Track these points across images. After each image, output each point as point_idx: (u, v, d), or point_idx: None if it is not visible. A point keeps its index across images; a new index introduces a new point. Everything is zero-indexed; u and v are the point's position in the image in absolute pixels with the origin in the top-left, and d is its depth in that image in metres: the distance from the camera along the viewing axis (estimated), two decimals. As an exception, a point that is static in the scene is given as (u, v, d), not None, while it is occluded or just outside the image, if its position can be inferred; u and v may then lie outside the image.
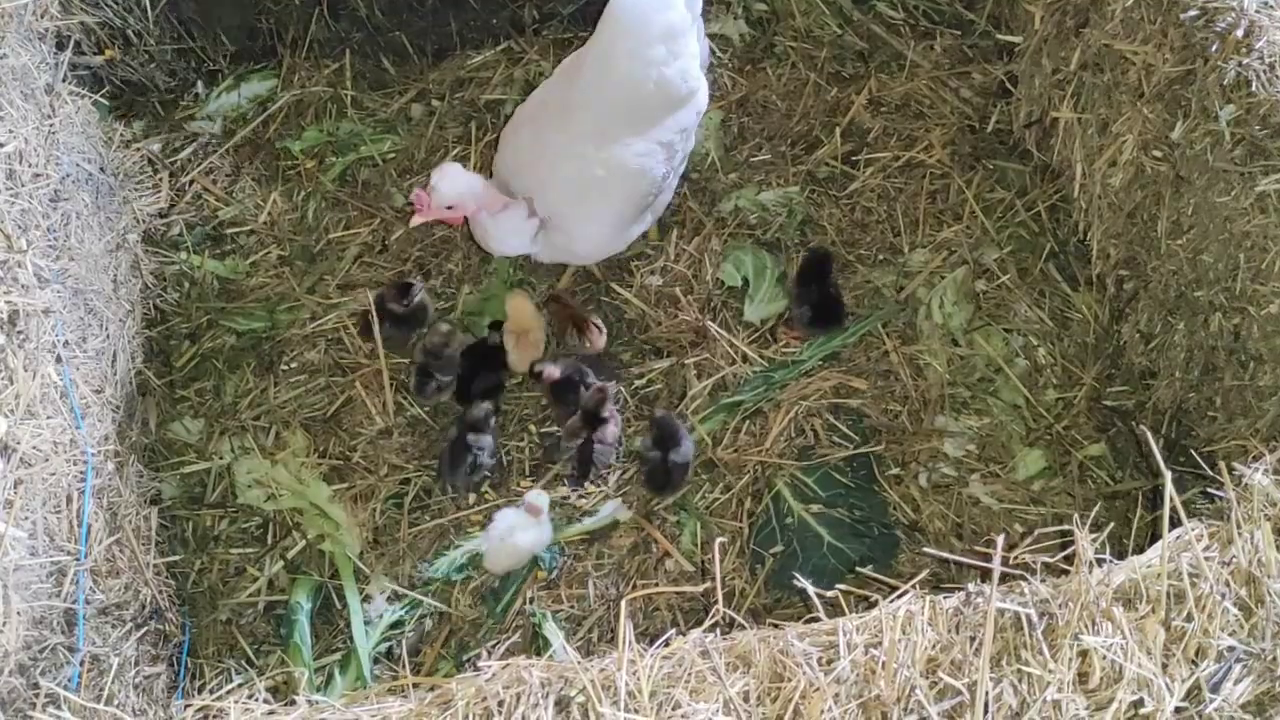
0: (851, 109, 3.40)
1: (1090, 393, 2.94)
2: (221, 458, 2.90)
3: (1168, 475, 1.84)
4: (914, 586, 1.83)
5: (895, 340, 3.03)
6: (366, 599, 2.73)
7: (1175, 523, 1.87)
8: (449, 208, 2.80)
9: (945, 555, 1.95)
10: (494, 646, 2.65)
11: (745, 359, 3.02)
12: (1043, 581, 1.85)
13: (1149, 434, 2.07)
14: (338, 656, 2.68)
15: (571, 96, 2.74)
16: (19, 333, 2.01)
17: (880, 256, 3.19)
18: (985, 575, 1.80)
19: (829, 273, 3.01)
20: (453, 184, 2.79)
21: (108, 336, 2.58)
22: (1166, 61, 2.49)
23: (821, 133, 3.38)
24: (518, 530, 2.75)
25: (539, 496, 2.78)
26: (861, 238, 3.22)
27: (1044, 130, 3.14)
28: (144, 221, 3.06)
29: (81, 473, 2.17)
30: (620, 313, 3.10)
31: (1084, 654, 1.73)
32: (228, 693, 1.71)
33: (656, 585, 2.74)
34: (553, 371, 2.91)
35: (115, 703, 2.00)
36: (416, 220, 2.84)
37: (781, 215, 3.24)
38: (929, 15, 3.61)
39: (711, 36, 3.55)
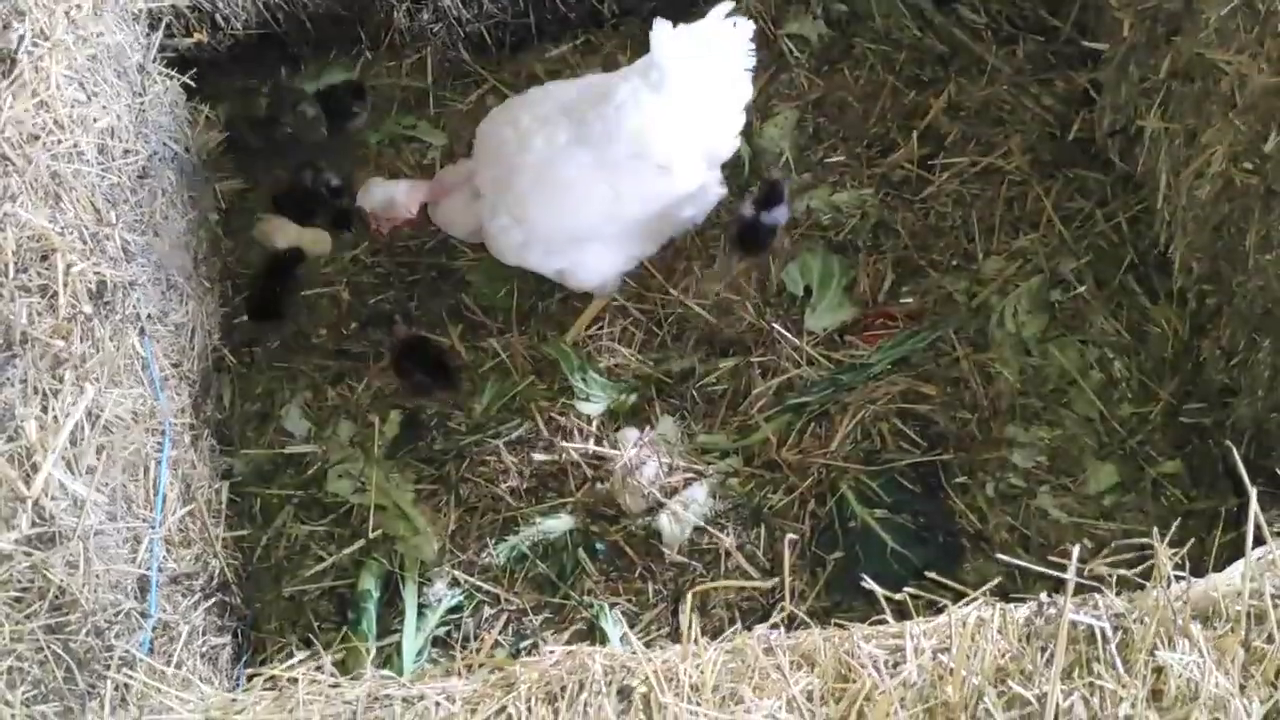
0: (930, 112, 3.36)
1: (1167, 409, 2.87)
2: (313, 442, 2.93)
3: (1253, 492, 1.79)
4: (985, 593, 1.80)
5: (966, 347, 2.99)
6: (426, 583, 2.75)
7: (1259, 541, 1.82)
8: (388, 217, 3.12)
9: (1018, 562, 1.91)
10: (551, 635, 2.66)
11: (811, 362, 3.00)
12: (1117, 595, 1.81)
13: (1234, 449, 2.01)
14: (396, 638, 2.70)
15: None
16: (106, 303, 2.06)
17: (953, 262, 3.15)
18: (1057, 587, 1.77)
19: (777, 202, 3.04)
20: (369, 198, 3.12)
21: (188, 312, 2.64)
22: (1262, 72, 2.42)
23: (898, 135, 3.34)
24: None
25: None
26: (935, 242, 3.18)
27: (1128, 140, 3.08)
28: (224, 202, 3.12)
29: (159, 443, 2.22)
30: (683, 320, 3.09)
31: (1159, 671, 1.69)
32: (297, 663, 1.73)
33: (715, 582, 2.73)
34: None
35: (184, 669, 2.04)
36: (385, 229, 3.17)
37: (855, 217, 3.21)
38: (1012, 21, 3.54)
39: (790, 36, 3.53)
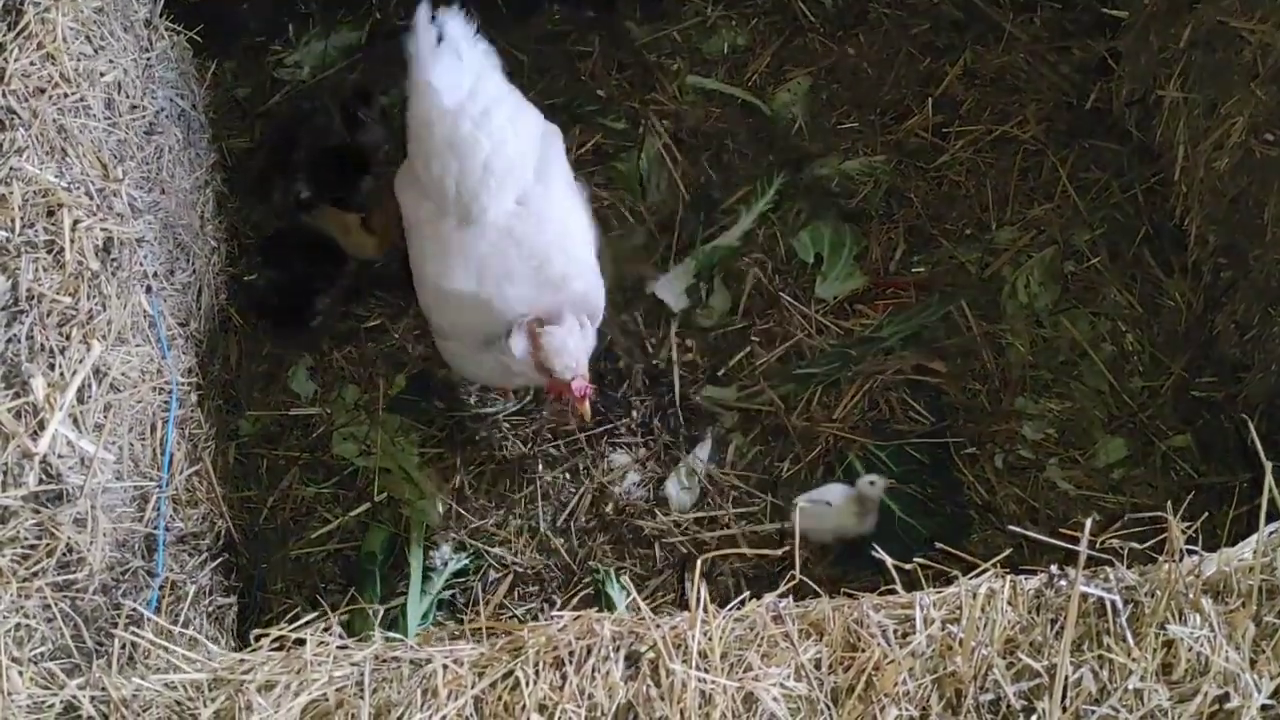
0: (945, 80, 3.31)
1: (1178, 383, 2.86)
2: (318, 405, 2.91)
3: (1269, 466, 1.77)
4: (995, 565, 1.79)
5: (978, 318, 2.96)
6: (433, 546, 2.75)
7: (1272, 516, 1.80)
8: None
9: (1031, 534, 1.90)
10: (559, 599, 2.66)
11: (820, 330, 2.97)
12: (1129, 568, 1.80)
13: (1249, 423, 1.99)
14: (401, 601, 2.71)
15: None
16: (113, 260, 2.03)
17: (966, 232, 3.12)
18: (1067, 559, 1.76)
19: None
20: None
21: (194, 271, 2.62)
22: (1286, 41, 2.39)
23: (913, 103, 3.30)
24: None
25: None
26: (947, 212, 3.15)
27: (1146, 110, 3.04)
28: (231, 161, 3.09)
29: (166, 402, 2.20)
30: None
31: (1169, 644, 1.68)
32: (304, 624, 1.73)
33: (723, 549, 2.72)
34: None
35: (191, 628, 2.04)
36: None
37: (867, 185, 3.18)
38: (1030, -14, 3.50)
39: (804, 1, 3.48)
